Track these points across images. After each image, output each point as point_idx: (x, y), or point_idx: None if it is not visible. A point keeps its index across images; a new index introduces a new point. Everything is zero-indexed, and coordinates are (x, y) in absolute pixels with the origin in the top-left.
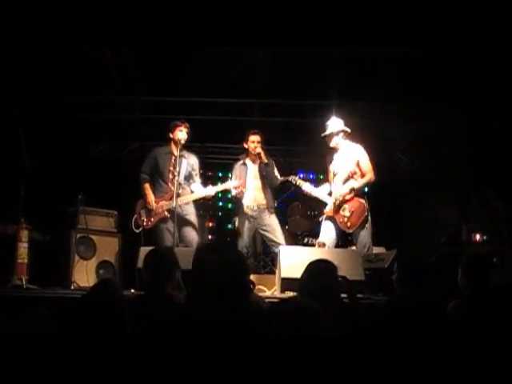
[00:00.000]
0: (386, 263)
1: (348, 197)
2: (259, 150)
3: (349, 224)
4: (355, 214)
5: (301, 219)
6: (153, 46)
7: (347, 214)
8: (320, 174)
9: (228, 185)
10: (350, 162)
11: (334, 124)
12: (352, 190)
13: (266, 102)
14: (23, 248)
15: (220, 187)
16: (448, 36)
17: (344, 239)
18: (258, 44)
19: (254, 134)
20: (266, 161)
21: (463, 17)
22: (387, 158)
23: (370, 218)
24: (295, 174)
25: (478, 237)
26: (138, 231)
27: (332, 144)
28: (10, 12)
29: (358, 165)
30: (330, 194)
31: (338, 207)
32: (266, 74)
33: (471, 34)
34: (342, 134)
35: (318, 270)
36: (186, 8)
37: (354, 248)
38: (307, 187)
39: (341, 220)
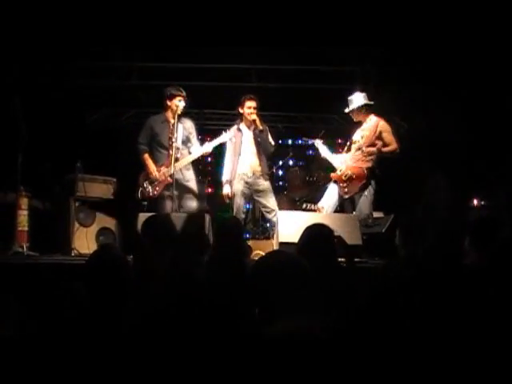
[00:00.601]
0: (383, 228)
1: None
2: (254, 116)
3: (346, 190)
4: (354, 179)
5: (300, 184)
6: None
7: (347, 178)
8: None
9: (223, 138)
10: (371, 133)
11: (356, 99)
12: (379, 149)
13: (263, 67)
14: (23, 216)
15: (216, 141)
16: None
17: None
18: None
19: (250, 99)
20: (260, 127)
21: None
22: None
23: (371, 187)
24: (321, 138)
25: (475, 202)
26: (145, 203)
27: (356, 119)
28: None
29: (380, 138)
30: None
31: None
32: (264, 40)
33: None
34: (364, 109)
35: (315, 234)
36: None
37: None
38: (325, 152)
39: (341, 185)
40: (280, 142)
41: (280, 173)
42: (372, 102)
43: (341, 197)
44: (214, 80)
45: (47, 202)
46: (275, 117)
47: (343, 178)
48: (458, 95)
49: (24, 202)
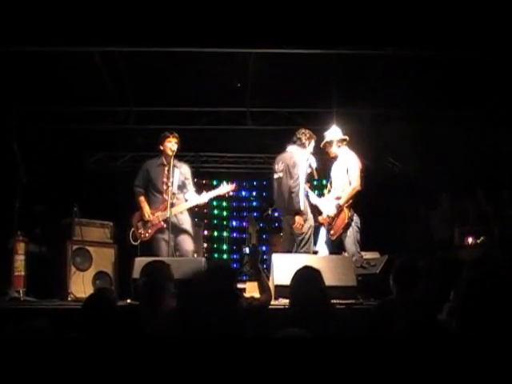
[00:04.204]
0: (377, 268)
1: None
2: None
3: (332, 232)
4: (337, 221)
5: None
6: (144, 46)
7: (331, 220)
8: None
9: (221, 190)
10: (343, 170)
11: (332, 133)
12: (339, 207)
13: (258, 110)
14: (20, 260)
15: (213, 193)
16: (439, 37)
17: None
18: (251, 46)
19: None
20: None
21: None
22: (380, 163)
23: (354, 225)
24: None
25: (470, 240)
26: (136, 244)
27: (331, 154)
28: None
29: (347, 173)
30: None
31: (329, 223)
32: (258, 83)
33: (462, 35)
34: (336, 142)
35: (304, 277)
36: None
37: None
38: (313, 198)
39: (327, 228)
40: None
41: (276, 214)
42: (345, 137)
43: (329, 239)
44: (209, 123)
45: (44, 247)
46: (271, 158)
47: (328, 220)
48: (451, 134)
49: (21, 247)
